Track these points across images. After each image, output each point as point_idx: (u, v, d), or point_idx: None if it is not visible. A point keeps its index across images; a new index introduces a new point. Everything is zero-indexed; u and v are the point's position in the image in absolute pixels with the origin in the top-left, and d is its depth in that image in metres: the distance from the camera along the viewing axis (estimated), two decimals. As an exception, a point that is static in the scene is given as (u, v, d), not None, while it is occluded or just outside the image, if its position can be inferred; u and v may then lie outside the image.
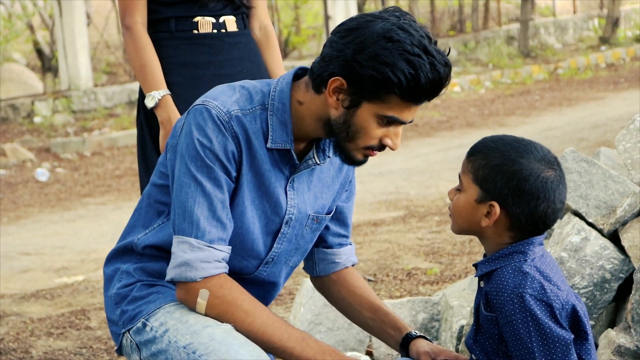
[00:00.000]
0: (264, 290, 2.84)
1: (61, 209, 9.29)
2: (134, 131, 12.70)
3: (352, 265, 3.03)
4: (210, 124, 2.60)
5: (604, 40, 19.71)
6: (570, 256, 3.36)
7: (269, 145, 2.65)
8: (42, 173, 10.99)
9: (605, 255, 3.36)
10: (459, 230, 2.64)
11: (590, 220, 3.44)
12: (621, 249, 3.41)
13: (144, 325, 2.67)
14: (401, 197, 8.36)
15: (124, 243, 2.82)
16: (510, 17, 21.65)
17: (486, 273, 2.57)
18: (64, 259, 7.15)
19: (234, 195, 2.65)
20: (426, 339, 2.85)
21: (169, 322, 2.63)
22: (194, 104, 2.66)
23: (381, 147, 2.64)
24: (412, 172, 9.57)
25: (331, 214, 2.88)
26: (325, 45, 2.62)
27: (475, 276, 2.62)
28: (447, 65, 2.55)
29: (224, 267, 2.62)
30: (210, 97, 2.65)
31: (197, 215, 2.59)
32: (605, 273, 3.36)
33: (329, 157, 2.77)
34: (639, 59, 18.21)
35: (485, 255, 2.62)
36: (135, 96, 14.52)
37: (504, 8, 21.74)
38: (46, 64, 16.77)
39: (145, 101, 3.64)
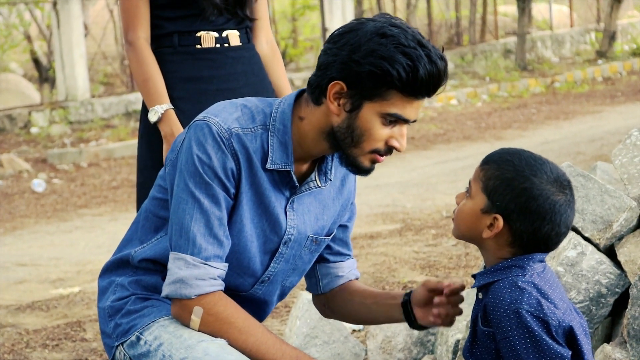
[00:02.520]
0: (257, 308, 2.82)
1: (57, 220, 9.28)
2: (130, 142, 12.71)
3: (356, 279, 3.02)
4: (210, 141, 2.59)
5: (600, 54, 19.74)
6: (567, 270, 3.36)
7: (268, 165, 2.64)
8: (38, 184, 10.98)
9: (601, 270, 3.36)
10: (459, 235, 2.63)
11: (586, 234, 3.44)
12: (617, 263, 3.41)
13: (138, 338, 2.67)
14: (398, 210, 8.36)
15: (119, 256, 2.81)
16: (507, 30, 21.69)
17: (484, 285, 2.56)
18: (60, 270, 7.14)
19: (232, 213, 2.64)
20: None
21: (164, 336, 2.62)
22: (195, 119, 2.65)
23: (387, 150, 2.62)
24: (408, 185, 9.57)
25: (331, 236, 2.86)
26: (320, 56, 2.62)
27: (472, 287, 2.62)
28: (443, 60, 2.55)
29: (219, 285, 2.61)
30: (212, 114, 2.64)
31: (194, 232, 2.58)
32: (601, 288, 3.36)
33: (330, 179, 2.76)
34: (636, 72, 18.23)
35: (485, 267, 2.62)
36: (133, 107, 14.55)
37: (501, 21, 21.77)
38: (43, 74, 16.78)
39: (148, 115, 3.64)
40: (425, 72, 2.51)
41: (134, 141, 12.69)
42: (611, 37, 19.82)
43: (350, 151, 2.62)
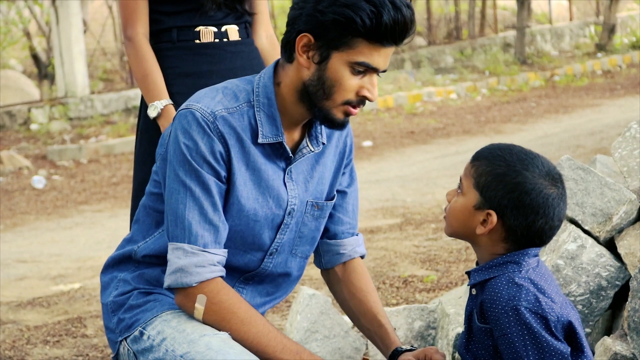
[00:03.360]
0: (275, 283, 2.84)
1: (57, 217, 9.28)
2: (130, 138, 12.70)
3: (362, 257, 3.01)
4: (195, 127, 2.60)
5: (600, 47, 19.74)
6: (567, 264, 3.37)
7: (260, 140, 2.66)
8: (38, 180, 10.97)
9: (601, 262, 3.36)
10: (452, 233, 2.62)
11: (586, 227, 3.44)
12: (617, 256, 3.41)
13: (141, 333, 2.68)
14: (397, 205, 8.36)
15: (122, 252, 2.82)
16: (506, 24, 21.68)
17: (479, 282, 2.56)
18: (61, 267, 7.14)
19: (228, 195, 2.66)
20: (413, 349, 2.85)
21: (166, 330, 2.63)
22: (179, 109, 2.68)
23: (359, 101, 2.63)
24: (408, 179, 9.57)
25: (333, 200, 2.87)
26: (289, 12, 2.65)
27: (468, 285, 2.61)
28: (409, 8, 2.57)
29: (219, 271, 2.62)
30: (194, 101, 2.66)
31: (189, 220, 2.59)
32: (602, 280, 3.36)
33: (323, 143, 2.78)
34: (635, 65, 18.23)
35: (477, 263, 2.61)
36: (132, 103, 14.53)
37: (500, 15, 21.77)
38: (43, 70, 16.76)
39: (147, 111, 3.65)
40: (389, 18, 2.53)
41: (134, 137, 12.66)
42: (610, 30, 19.82)
43: (322, 104, 2.63)
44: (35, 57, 17.06)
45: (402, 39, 2.58)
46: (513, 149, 2.53)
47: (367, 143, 11.98)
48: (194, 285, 2.60)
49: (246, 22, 3.82)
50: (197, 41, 3.74)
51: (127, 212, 8.97)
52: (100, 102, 14.73)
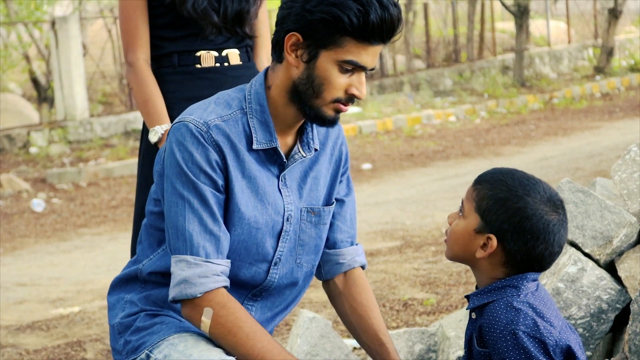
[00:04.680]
0: (283, 296, 2.84)
1: (57, 240, 9.28)
2: (129, 161, 12.71)
3: (363, 268, 3.01)
4: (189, 138, 2.62)
5: (598, 70, 19.79)
6: (567, 287, 3.36)
7: (254, 146, 2.67)
8: (37, 203, 10.97)
9: (601, 285, 3.36)
10: (452, 256, 2.62)
11: (586, 250, 3.44)
12: (618, 279, 3.41)
13: (148, 356, 2.68)
14: (397, 227, 8.36)
15: (127, 271, 2.83)
16: (505, 47, 21.74)
17: (478, 306, 2.55)
18: (60, 290, 7.13)
19: (228, 203, 2.66)
20: None
21: (173, 354, 2.63)
22: (172, 123, 2.69)
23: (348, 99, 2.65)
24: (407, 202, 9.57)
25: (332, 207, 2.87)
26: (277, 12, 2.67)
27: (467, 309, 2.61)
28: (397, 6, 2.59)
29: (223, 281, 2.63)
30: (187, 114, 2.68)
31: (189, 232, 2.60)
32: (602, 303, 3.36)
33: (315, 149, 2.78)
34: (634, 88, 18.27)
35: (477, 287, 2.61)
36: (131, 126, 14.55)
37: (499, 38, 21.83)
38: (42, 94, 16.79)
39: (149, 136, 3.66)
40: (376, 17, 2.55)
41: (133, 160, 12.68)
42: (609, 52, 19.87)
43: (312, 103, 2.65)
44: (34, 81, 17.09)
45: (389, 37, 2.60)
46: (515, 174, 2.53)
47: (367, 166, 11.99)
48: (198, 296, 2.60)
49: (247, 46, 3.83)
50: (198, 66, 3.75)
51: (127, 235, 8.97)
52: (100, 125, 14.75)
